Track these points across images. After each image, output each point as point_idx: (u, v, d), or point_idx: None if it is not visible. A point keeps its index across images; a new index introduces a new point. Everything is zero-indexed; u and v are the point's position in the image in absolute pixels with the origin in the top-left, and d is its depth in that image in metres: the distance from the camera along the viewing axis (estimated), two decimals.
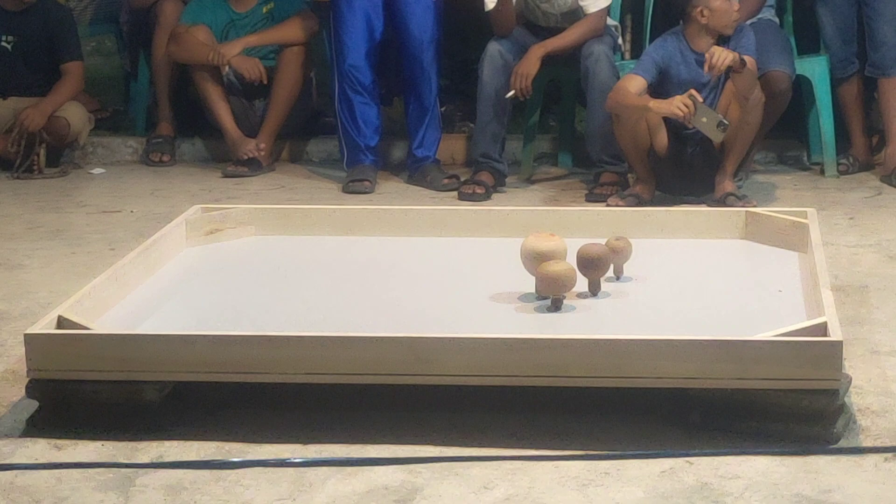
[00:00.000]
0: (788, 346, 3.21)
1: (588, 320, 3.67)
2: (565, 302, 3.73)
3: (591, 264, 3.84)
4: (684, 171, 5.75)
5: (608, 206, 5.63)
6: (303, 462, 3.19)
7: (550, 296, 3.72)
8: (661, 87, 5.62)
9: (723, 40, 5.60)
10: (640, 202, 5.65)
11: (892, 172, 6.20)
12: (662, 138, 5.65)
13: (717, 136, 5.50)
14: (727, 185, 5.67)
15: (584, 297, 3.82)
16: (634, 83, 5.60)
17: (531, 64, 5.99)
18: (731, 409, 3.26)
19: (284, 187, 6.39)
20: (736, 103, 5.56)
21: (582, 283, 3.81)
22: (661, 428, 3.32)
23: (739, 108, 5.56)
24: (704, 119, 5.43)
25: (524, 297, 3.80)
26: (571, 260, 3.81)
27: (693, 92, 5.46)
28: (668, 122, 5.60)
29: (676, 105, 5.43)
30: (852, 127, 6.51)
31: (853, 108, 6.48)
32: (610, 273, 3.93)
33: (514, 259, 3.89)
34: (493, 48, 6.08)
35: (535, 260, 3.80)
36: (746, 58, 5.50)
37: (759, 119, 5.66)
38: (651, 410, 3.36)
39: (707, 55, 5.45)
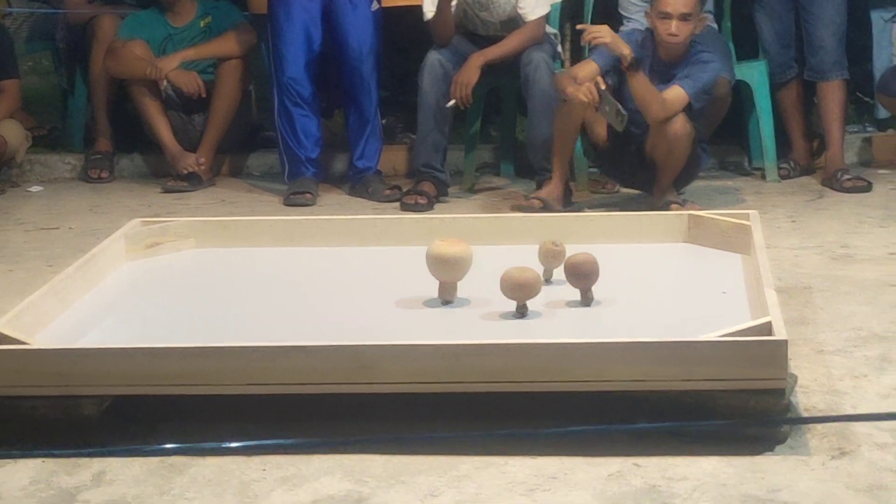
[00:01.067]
0: (734, 346, 3.20)
1: (533, 326, 3.65)
2: (511, 309, 3.71)
3: (583, 274, 3.82)
4: (626, 167, 5.74)
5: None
6: (247, 474, 3.15)
7: (516, 302, 3.70)
8: (622, 85, 5.57)
9: (678, 65, 5.56)
10: (547, 207, 5.62)
11: (833, 176, 6.22)
12: (601, 131, 5.63)
13: (618, 125, 5.44)
14: (667, 194, 5.65)
15: (569, 307, 3.81)
16: (586, 67, 5.57)
17: (471, 72, 5.97)
18: (678, 410, 3.24)
19: (225, 201, 6.34)
20: (659, 133, 5.50)
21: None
22: (608, 431, 3.30)
23: (661, 136, 5.50)
24: (607, 108, 5.40)
25: (458, 303, 3.82)
26: (475, 265, 3.82)
27: (599, 79, 5.43)
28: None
29: (582, 91, 5.41)
30: (792, 131, 6.54)
31: (793, 112, 6.51)
32: (555, 279, 3.92)
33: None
34: (433, 57, 6.06)
35: (439, 265, 3.79)
36: (674, 88, 5.43)
37: (684, 149, 5.53)
38: (598, 414, 3.33)
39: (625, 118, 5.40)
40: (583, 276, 3.80)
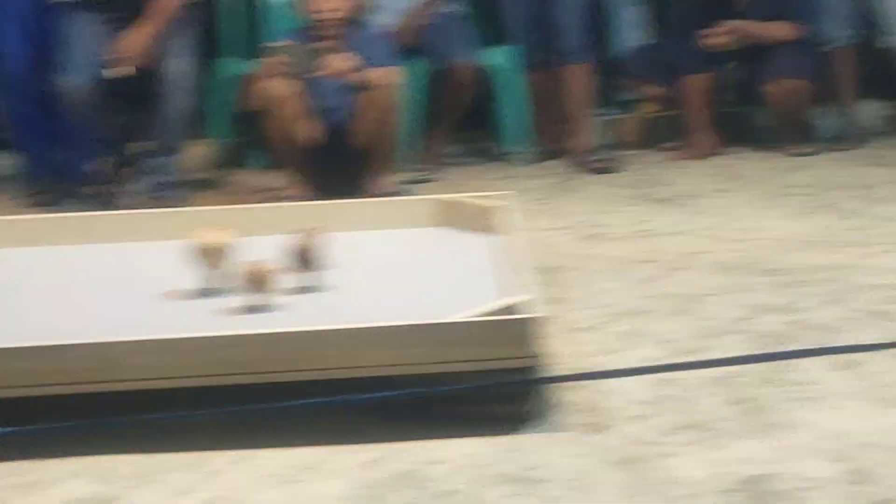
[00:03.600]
0: (486, 325, 3.18)
1: (285, 315, 3.57)
2: (258, 300, 3.63)
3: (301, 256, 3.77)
4: (335, 168, 5.70)
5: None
6: None
7: (251, 293, 3.62)
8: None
9: (348, 44, 5.54)
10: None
11: (580, 158, 6.29)
12: (303, 128, 5.58)
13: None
14: (383, 183, 5.67)
15: (286, 294, 3.74)
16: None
17: None
18: (433, 393, 3.21)
19: None
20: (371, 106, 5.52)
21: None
22: (364, 418, 3.25)
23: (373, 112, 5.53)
24: (301, 59, 5.37)
25: (205, 294, 3.72)
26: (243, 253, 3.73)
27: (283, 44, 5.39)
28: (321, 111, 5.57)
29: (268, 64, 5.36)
30: (540, 115, 6.58)
31: (540, 96, 6.56)
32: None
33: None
34: None
35: (205, 255, 3.71)
36: (377, 72, 5.47)
37: (394, 119, 5.59)
38: (351, 402, 3.28)
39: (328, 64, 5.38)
40: (308, 259, 3.76)
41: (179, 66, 5.65)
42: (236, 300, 3.62)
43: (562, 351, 3.65)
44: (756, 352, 3.59)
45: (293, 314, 3.57)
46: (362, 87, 5.48)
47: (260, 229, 4.17)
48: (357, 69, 5.45)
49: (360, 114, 5.53)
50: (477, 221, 4.27)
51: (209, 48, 6.23)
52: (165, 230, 4.26)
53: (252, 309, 3.58)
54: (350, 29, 5.65)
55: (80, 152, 6.03)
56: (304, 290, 3.74)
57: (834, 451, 2.98)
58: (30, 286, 3.97)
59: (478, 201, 4.35)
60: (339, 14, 5.59)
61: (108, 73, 5.63)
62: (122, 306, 3.71)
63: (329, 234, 3.89)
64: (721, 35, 6.28)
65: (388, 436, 3.15)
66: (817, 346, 3.62)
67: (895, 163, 6.11)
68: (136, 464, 3.09)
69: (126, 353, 3.16)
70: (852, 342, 3.62)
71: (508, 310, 3.25)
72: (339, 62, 5.45)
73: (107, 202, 5.73)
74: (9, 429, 2.88)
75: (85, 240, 4.31)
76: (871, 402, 3.24)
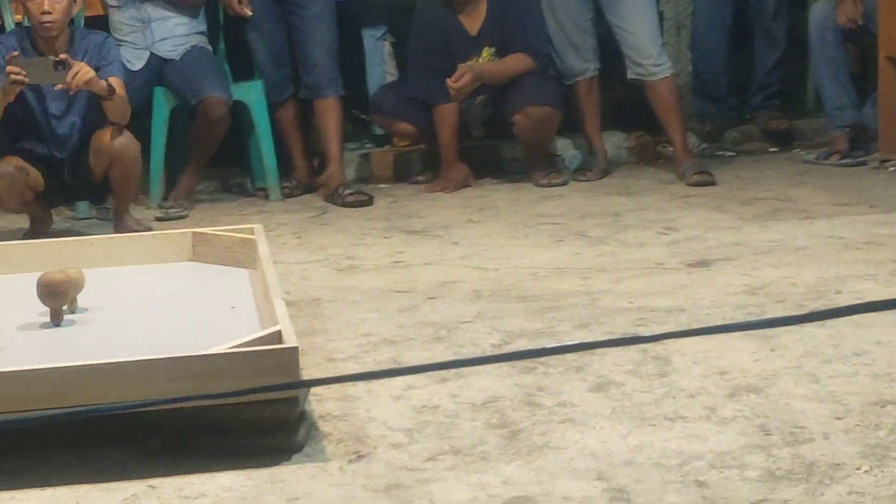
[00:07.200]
0: (244, 356, 3.13)
1: (35, 353, 3.47)
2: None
3: (54, 291, 3.68)
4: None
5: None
6: None
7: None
8: None
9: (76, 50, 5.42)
10: None
11: (335, 192, 6.30)
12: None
13: (57, 80, 5.23)
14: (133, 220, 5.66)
15: (46, 328, 3.64)
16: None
17: None
18: (192, 428, 3.16)
19: None
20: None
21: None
22: (122, 455, 3.18)
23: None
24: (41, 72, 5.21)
25: None
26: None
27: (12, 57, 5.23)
28: None
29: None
30: (293, 150, 6.59)
31: (291, 131, 6.57)
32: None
33: None
34: None
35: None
36: (114, 80, 5.37)
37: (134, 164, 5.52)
38: (109, 439, 3.20)
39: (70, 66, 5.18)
40: (57, 293, 3.68)
41: None
42: None
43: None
44: (514, 376, 3.63)
45: (41, 350, 3.49)
46: (104, 98, 5.36)
47: (9, 268, 4.08)
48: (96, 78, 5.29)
49: (95, 155, 5.44)
50: (229, 255, 4.24)
51: None
52: None
53: None
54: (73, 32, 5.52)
55: None
56: (55, 325, 3.65)
57: (593, 470, 3.03)
58: None
59: (229, 234, 4.31)
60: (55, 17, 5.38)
61: None
62: None
63: (81, 271, 3.82)
64: (461, 79, 6.34)
65: (148, 471, 3.08)
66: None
67: (640, 192, 6.28)
68: None
69: None
70: (607, 364, 3.69)
71: (268, 339, 3.22)
72: (84, 70, 5.23)
73: None
74: None
75: None
76: (626, 421, 3.30)
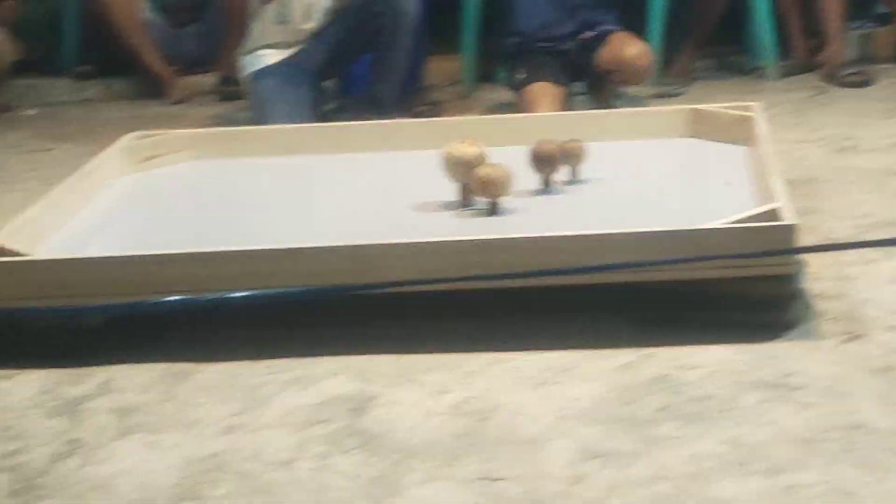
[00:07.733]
0: (742, 232, 3.15)
1: (535, 221, 3.60)
2: (504, 204, 3.66)
3: (544, 160, 3.81)
4: None
5: None
6: (254, 377, 3.12)
7: (487, 199, 3.66)
8: None
9: None
10: None
11: (833, 71, 6.16)
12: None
13: None
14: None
15: (537, 195, 3.77)
16: None
17: None
18: (687, 302, 3.20)
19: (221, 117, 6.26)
20: None
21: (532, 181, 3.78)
22: (617, 323, 3.27)
23: None
24: None
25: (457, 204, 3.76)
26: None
27: None
28: None
29: None
30: (792, 30, 6.46)
31: (792, 10, 6.44)
32: (564, 175, 3.89)
33: None
34: None
35: (459, 167, 3.74)
36: None
37: None
38: (605, 306, 3.30)
39: None
40: (545, 160, 3.80)
41: None
42: (476, 205, 3.68)
43: (818, 262, 3.59)
44: None
45: (542, 218, 3.60)
46: None
47: (510, 140, 4.20)
48: None
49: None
50: (728, 132, 4.23)
51: None
52: (418, 141, 4.32)
53: (490, 213, 3.64)
54: None
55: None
56: (552, 193, 3.77)
57: None
58: (285, 193, 4.08)
59: (727, 111, 4.30)
60: None
61: None
62: (375, 214, 3.79)
63: (582, 144, 3.92)
64: None
65: (643, 340, 3.16)
66: None
67: None
68: (394, 364, 3.16)
69: (378, 257, 3.22)
70: None
71: (765, 216, 3.22)
72: None
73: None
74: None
75: (341, 149, 4.40)
76: None
